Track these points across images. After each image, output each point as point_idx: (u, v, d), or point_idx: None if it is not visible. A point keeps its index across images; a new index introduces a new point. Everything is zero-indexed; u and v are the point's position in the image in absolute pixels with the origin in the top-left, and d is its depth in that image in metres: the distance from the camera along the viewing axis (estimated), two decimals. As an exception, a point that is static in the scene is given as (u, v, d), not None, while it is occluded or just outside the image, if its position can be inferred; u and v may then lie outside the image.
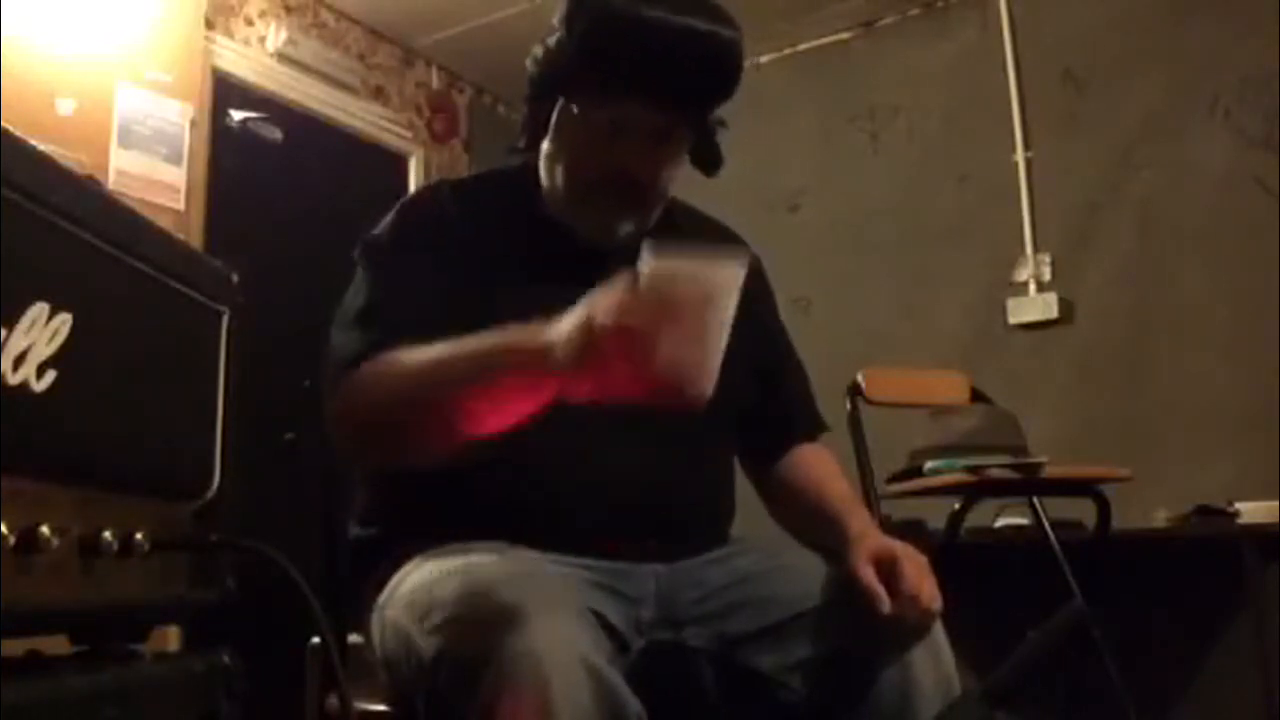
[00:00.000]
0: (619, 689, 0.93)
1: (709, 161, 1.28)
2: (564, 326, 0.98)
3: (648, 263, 0.92)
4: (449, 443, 1.09)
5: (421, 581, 1.08)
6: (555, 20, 1.20)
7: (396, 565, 1.16)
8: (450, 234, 1.25)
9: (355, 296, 1.23)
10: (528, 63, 1.24)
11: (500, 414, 1.06)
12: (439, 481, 1.18)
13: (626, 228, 1.23)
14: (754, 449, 1.38)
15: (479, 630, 0.93)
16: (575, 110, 1.19)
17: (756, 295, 1.39)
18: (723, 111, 1.26)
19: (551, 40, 1.20)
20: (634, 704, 0.93)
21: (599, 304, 0.95)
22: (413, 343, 1.12)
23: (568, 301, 1.14)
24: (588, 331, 0.95)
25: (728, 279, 0.94)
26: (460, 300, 1.18)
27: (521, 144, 1.29)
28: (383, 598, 1.15)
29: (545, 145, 1.25)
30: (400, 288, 1.21)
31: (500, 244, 1.25)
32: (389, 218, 1.29)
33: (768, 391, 1.37)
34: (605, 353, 0.93)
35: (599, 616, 1.03)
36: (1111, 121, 3.30)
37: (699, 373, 0.93)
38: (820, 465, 1.38)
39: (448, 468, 1.14)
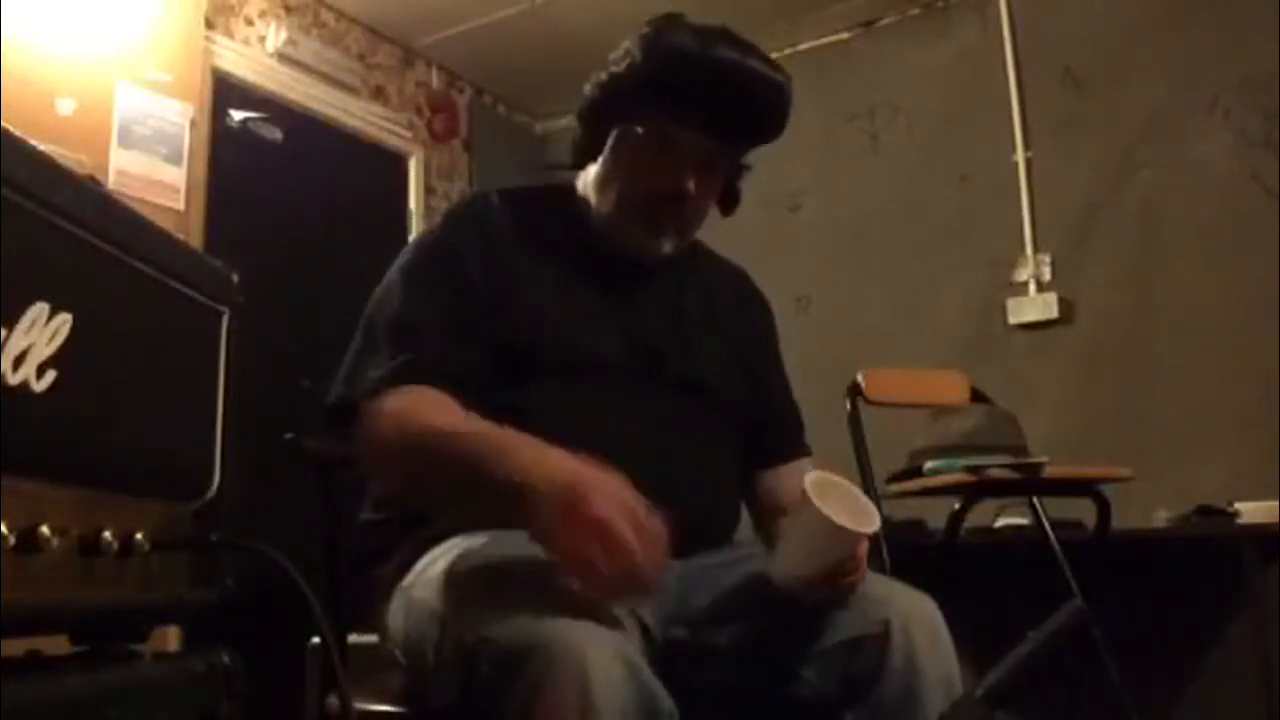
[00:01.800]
0: (654, 685, 0.94)
1: (729, 201, 1.39)
2: (555, 476, 0.98)
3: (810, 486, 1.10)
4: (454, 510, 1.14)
5: (458, 563, 1.09)
6: (622, 49, 1.29)
7: (421, 547, 1.17)
8: (498, 236, 1.30)
9: (390, 303, 1.26)
10: (587, 87, 1.33)
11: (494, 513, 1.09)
12: None
13: (669, 244, 1.32)
14: (743, 459, 1.41)
15: (525, 618, 0.94)
16: (639, 131, 1.28)
17: (763, 329, 1.52)
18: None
19: (620, 67, 1.29)
20: (668, 701, 0.94)
21: (594, 484, 0.96)
22: (447, 366, 1.18)
23: (606, 311, 1.29)
24: (572, 499, 0.95)
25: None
26: (505, 305, 1.24)
27: (571, 162, 1.37)
28: (408, 579, 1.16)
29: (596, 166, 1.34)
30: (439, 306, 1.24)
31: (546, 251, 1.31)
32: (438, 223, 1.36)
33: (758, 407, 1.41)
34: (580, 526, 0.94)
35: (635, 615, 1.04)
36: (1111, 121, 3.30)
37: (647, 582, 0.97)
38: (793, 488, 1.40)
39: None
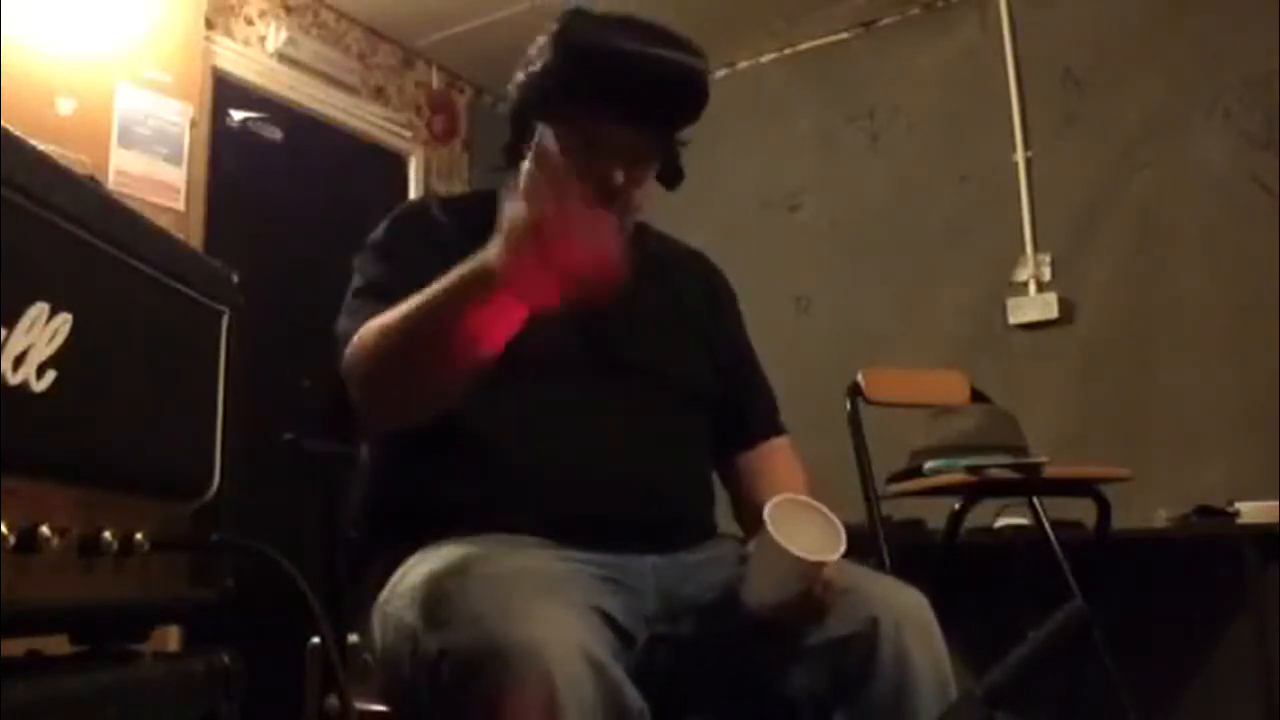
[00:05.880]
0: (622, 684, 0.93)
1: (671, 177, 1.36)
2: (494, 242, 1.02)
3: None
4: (447, 381, 1.13)
5: (425, 576, 1.08)
6: (535, 48, 1.30)
7: (397, 561, 1.17)
8: (441, 239, 1.28)
9: (354, 284, 1.30)
10: (510, 88, 1.33)
11: (481, 342, 1.09)
12: (434, 478, 1.21)
13: None
14: (715, 444, 1.41)
15: (484, 623, 0.94)
16: (559, 131, 1.26)
17: (726, 305, 1.51)
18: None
19: (535, 66, 1.29)
20: (637, 699, 0.94)
21: (514, 208, 0.99)
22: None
23: (556, 315, 1.19)
24: (514, 234, 0.98)
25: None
26: None
27: (503, 163, 1.35)
28: (384, 594, 1.16)
29: (525, 165, 1.31)
30: (397, 271, 1.26)
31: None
32: (382, 224, 1.36)
33: (728, 389, 1.40)
34: (532, 251, 0.97)
35: (603, 613, 1.04)
36: (1111, 121, 3.30)
37: (607, 262, 0.97)
38: (771, 470, 1.41)
39: (443, 463, 1.17)
